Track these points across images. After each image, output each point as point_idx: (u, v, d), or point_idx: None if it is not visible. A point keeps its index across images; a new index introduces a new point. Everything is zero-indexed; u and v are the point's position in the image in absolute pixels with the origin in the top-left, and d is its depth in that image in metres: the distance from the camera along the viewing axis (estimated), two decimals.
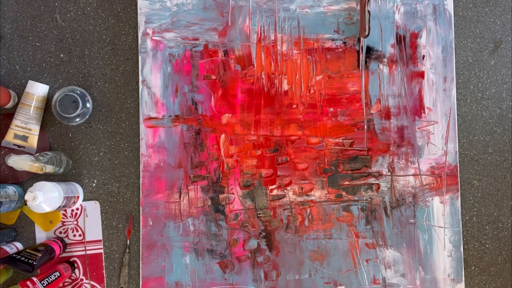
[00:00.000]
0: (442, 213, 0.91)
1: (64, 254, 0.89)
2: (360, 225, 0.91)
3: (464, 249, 0.93)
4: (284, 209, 0.91)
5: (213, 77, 0.91)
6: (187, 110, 0.91)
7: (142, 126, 0.90)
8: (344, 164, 0.91)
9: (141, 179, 0.89)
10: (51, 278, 0.82)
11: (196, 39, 0.91)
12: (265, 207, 0.90)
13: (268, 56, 0.92)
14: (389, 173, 0.91)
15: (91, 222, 0.90)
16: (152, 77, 0.90)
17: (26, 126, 0.87)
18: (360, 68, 0.92)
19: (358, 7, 0.90)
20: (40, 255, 0.80)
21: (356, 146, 0.92)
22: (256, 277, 0.90)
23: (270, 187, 0.91)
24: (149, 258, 0.89)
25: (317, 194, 0.91)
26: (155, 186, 0.89)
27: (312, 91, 0.92)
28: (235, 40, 0.91)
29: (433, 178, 0.91)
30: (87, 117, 0.87)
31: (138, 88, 0.91)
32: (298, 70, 0.92)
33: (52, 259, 0.84)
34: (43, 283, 0.81)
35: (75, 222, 0.90)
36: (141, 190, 0.89)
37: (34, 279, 0.80)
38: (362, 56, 0.92)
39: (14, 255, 0.79)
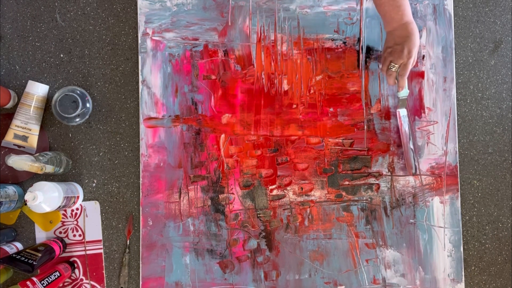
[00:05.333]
0: (442, 213, 0.91)
1: (64, 254, 0.89)
2: (360, 225, 0.91)
3: (464, 249, 0.93)
4: (284, 209, 0.91)
5: (213, 77, 0.91)
6: (187, 110, 0.91)
7: (142, 126, 0.90)
8: (344, 164, 0.91)
9: (141, 179, 0.89)
10: (51, 278, 0.82)
11: (196, 39, 0.91)
12: (265, 207, 0.90)
13: (268, 56, 0.92)
14: (389, 173, 0.91)
15: (91, 222, 0.90)
16: (152, 77, 0.90)
17: (26, 126, 0.87)
18: (360, 68, 0.92)
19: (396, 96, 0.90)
20: (40, 255, 0.80)
21: (356, 146, 0.92)
22: (256, 277, 0.90)
23: (270, 187, 0.91)
24: (149, 258, 0.89)
25: (317, 194, 0.91)
26: (155, 186, 0.89)
27: (312, 91, 0.92)
28: (235, 40, 0.91)
29: (433, 178, 0.91)
30: (87, 117, 0.87)
31: (138, 88, 0.91)
32: (298, 70, 0.92)
33: (52, 259, 0.84)
34: (43, 283, 0.81)
35: (75, 222, 0.90)
36: (141, 190, 0.89)
37: (34, 279, 0.80)
38: (362, 56, 0.92)
39: (14, 255, 0.79)
